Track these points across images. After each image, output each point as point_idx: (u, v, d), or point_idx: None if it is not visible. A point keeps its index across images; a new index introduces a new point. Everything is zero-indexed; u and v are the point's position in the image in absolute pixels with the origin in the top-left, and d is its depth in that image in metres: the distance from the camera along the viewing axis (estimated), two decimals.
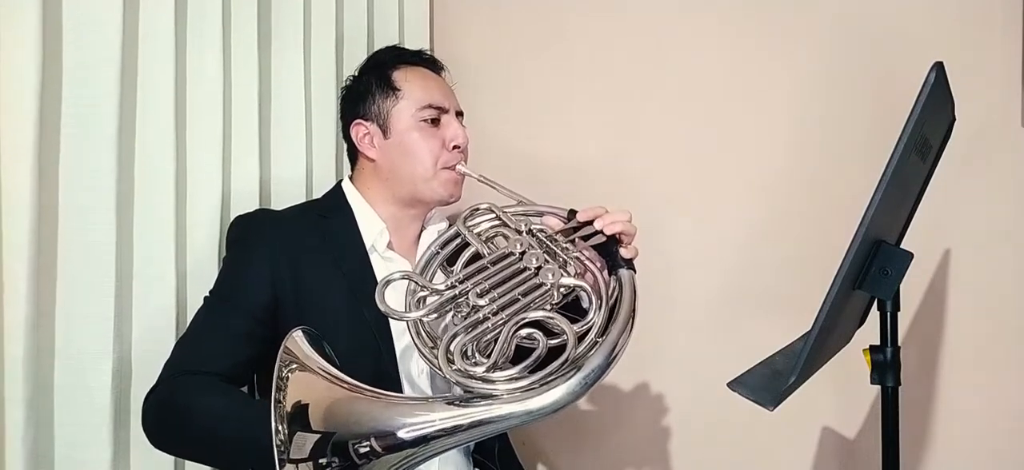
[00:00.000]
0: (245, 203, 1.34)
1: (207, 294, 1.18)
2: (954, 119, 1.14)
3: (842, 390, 1.53)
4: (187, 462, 1.28)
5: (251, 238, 1.20)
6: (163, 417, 1.08)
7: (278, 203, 1.41)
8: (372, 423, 0.93)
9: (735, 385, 1.11)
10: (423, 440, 0.92)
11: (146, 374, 1.13)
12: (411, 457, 0.92)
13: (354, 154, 1.32)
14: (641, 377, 1.70)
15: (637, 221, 1.15)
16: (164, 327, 1.23)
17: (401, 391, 1.19)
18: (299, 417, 0.90)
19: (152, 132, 1.23)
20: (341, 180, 1.33)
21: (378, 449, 0.91)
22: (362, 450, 0.90)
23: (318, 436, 0.90)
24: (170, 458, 1.23)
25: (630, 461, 1.70)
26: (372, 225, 1.25)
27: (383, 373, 1.16)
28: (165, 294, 1.24)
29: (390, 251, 1.25)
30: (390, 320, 1.16)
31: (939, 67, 0.95)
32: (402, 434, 0.92)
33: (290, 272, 1.17)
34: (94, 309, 1.15)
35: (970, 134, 1.33)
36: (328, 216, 1.26)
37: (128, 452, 1.21)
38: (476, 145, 1.36)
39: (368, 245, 1.24)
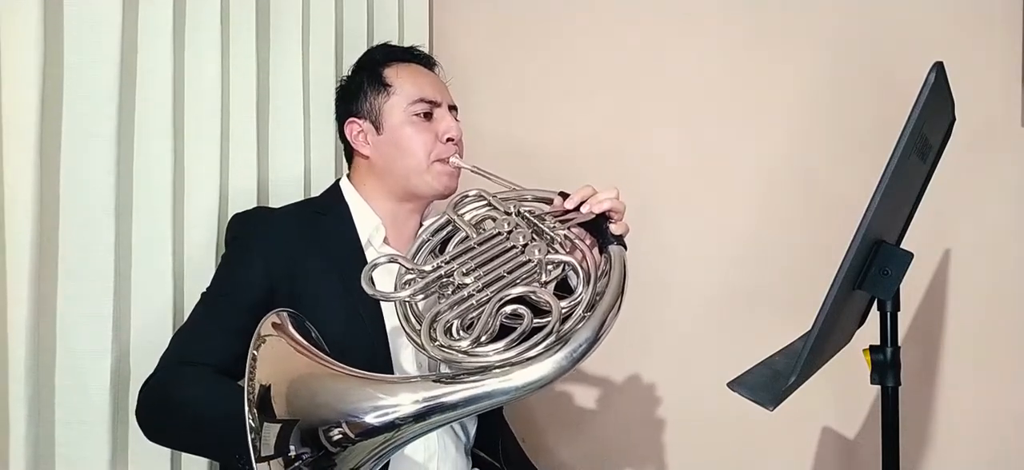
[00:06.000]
0: (243, 202, 1.34)
1: (204, 291, 1.19)
2: (954, 119, 1.14)
3: (842, 390, 1.53)
4: (184, 460, 1.29)
5: (248, 235, 1.21)
6: (156, 407, 1.09)
7: (276, 202, 1.40)
8: (343, 404, 0.90)
9: (735, 385, 1.11)
10: (401, 421, 0.90)
11: (144, 373, 1.13)
12: (389, 441, 0.90)
13: (350, 152, 1.32)
14: (640, 375, 1.70)
15: (637, 219, 1.15)
16: (162, 326, 1.23)
17: None
18: (266, 402, 0.87)
19: (151, 131, 1.23)
20: (339, 179, 1.33)
21: (351, 435, 0.88)
22: (335, 437, 0.88)
23: (281, 424, 0.87)
24: (167, 456, 1.23)
25: (630, 460, 1.70)
26: (368, 221, 1.26)
27: (377, 364, 1.15)
28: (163, 293, 1.24)
29: (386, 246, 1.26)
30: (383, 313, 1.17)
31: (939, 67, 0.95)
32: (371, 419, 0.88)
33: (286, 268, 1.17)
34: (93, 308, 1.15)
35: (970, 134, 1.33)
36: (324, 213, 1.26)
37: (126, 450, 1.21)
38: (476, 142, 1.36)
39: (364, 241, 1.24)
